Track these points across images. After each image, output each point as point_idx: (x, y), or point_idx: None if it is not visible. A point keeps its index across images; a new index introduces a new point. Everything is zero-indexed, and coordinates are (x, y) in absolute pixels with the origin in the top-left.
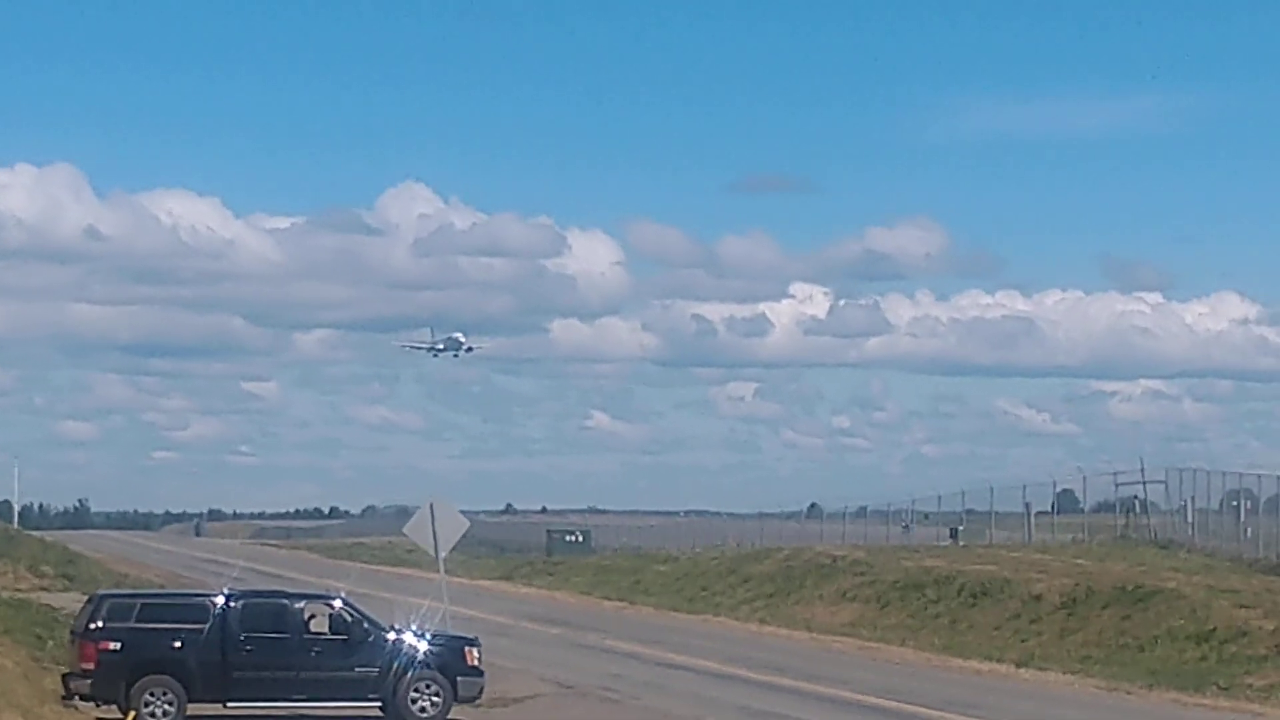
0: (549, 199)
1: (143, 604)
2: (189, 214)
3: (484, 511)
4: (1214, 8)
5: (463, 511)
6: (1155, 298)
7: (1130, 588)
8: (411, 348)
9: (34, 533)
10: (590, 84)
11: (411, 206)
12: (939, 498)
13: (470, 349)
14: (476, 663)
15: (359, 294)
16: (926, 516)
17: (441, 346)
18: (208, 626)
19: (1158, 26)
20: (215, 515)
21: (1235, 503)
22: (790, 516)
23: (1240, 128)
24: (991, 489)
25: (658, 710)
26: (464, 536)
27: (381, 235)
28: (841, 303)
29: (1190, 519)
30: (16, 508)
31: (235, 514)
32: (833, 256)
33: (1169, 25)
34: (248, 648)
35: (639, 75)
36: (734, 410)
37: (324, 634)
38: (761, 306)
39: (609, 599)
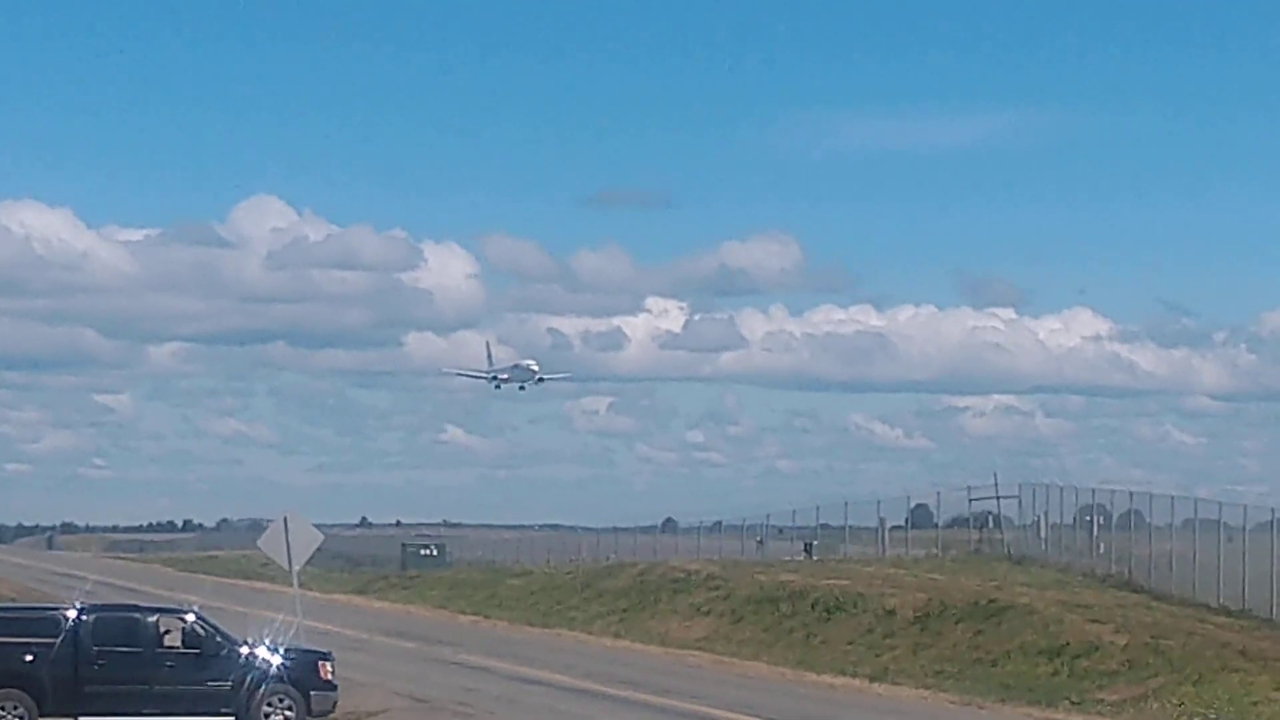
0: (404, 212)
1: None
2: (41, 225)
3: (339, 525)
4: (1068, 29)
5: (317, 525)
6: (1008, 313)
7: (983, 603)
8: (464, 375)
9: None
10: (444, 97)
11: (264, 219)
12: (793, 512)
13: (542, 379)
14: (330, 677)
15: (212, 307)
16: (781, 531)
17: (505, 377)
18: (59, 640)
19: (1011, 45)
20: (68, 528)
21: (1088, 518)
22: (645, 531)
23: (1093, 146)
24: (846, 504)
25: None
26: (318, 550)
27: (235, 248)
28: (696, 317)
29: (1043, 534)
30: None
31: (88, 527)
32: (688, 271)
33: (1023, 44)
34: (100, 661)
35: (493, 88)
36: (588, 424)
37: (177, 648)
38: (616, 320)
39: (463, 613)
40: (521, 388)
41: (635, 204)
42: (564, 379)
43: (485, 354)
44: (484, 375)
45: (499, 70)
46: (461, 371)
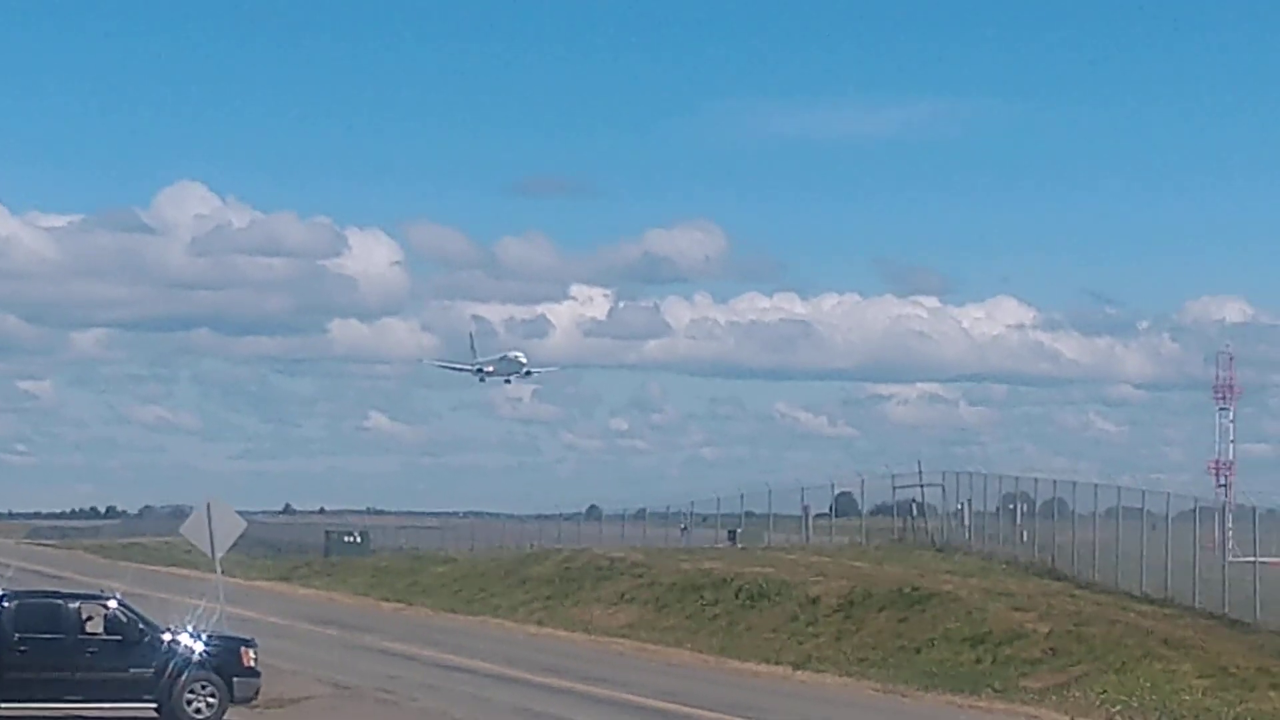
0: (328, 199)
1: None
2: None
3: (262, 512)
4: (991, 20)
5: (240, 512)
6: (932, 302)
7: (907, 590)
8: (445, 367)
9: None
10: (369, 84)
11: (188, 205)
12: (718, 500)
13: (529, 372)
14: (252, 664)
15: (136, 293)
16: (705, 519)
17: (491, 369)
18: None
19: (935, 35)
20: None
21: (1011, 506)
22: (569, 518)
23: (1017, 136)
24: (770, 491)
25: (435, 712)
26: (241, 537)
27: (158, 234)
28: (621, 305)
29: (967, 522)
30: None
31: (10, 513)
32: (612, 259)
33: (947, 34)
34: (21, 648)
35: (419, 76)
36: (513, 412)
37: (99, 634)
38: (541, 308)
39: (387, 600)
40: (507, 380)
41: (560, 191)
42: (551, 370)
43: (469, 345)
44: (468, 368)
45: (424, 58)
46: (445, 364)
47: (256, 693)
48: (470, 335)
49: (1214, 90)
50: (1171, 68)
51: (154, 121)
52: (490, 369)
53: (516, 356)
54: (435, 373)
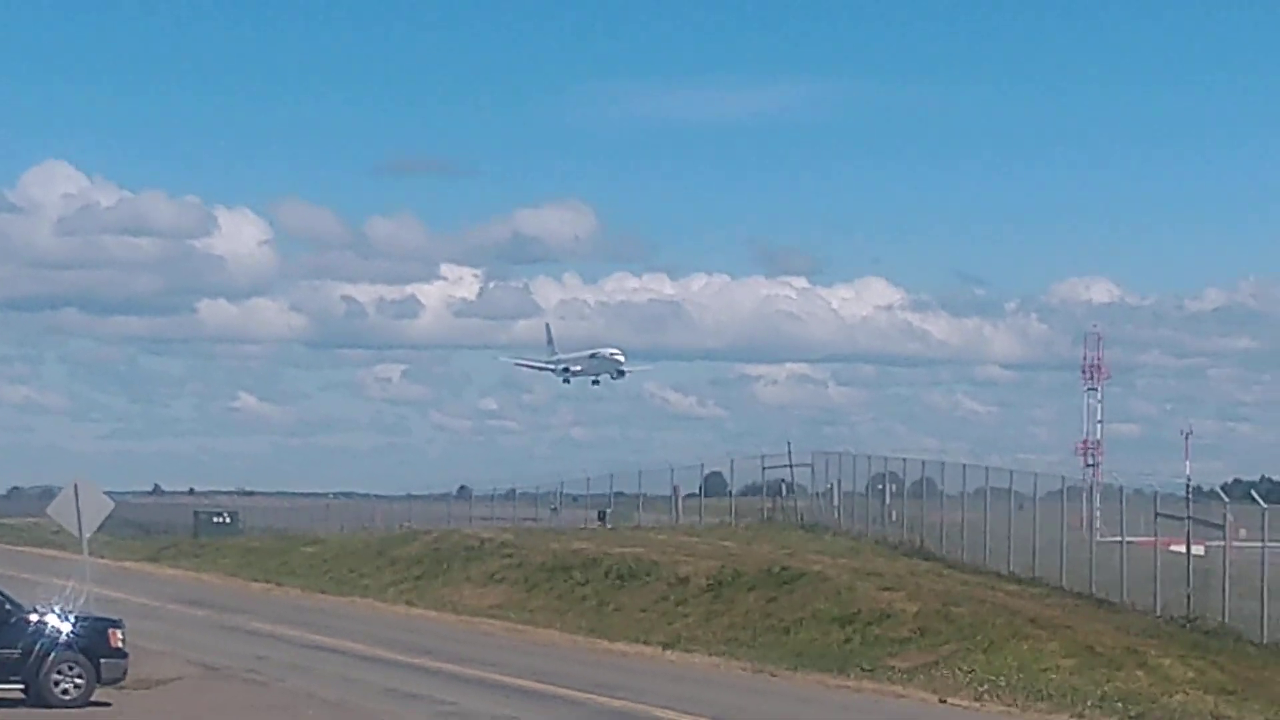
0: (196, 177)
1: None
2: None
3: (130, 492)
4: (861, 1)
5: (108, 492)
6: (801, 282)
7: (776, 570)
8: (524, 366)
9: None
10: (238, 62)
11: (54, 185)
12: (587, 480)
13: (623, 372)
14: (120, 644)
15: (2, 273)
16: (575, 499)
17: (578, 369)
18: None
19: (806, 16)
20: None
21: (880, 486)
22: (439, 499)
23: (887, 117)
24: (640, 472)
25: (303, 692)
26: (109, 517)
27: (24, 213)
28: (491, 285)
29: (836, 502)
30: None
31: None
32: (482, 238)
33: (817, 15)
34: None
35: (288, 54)
36: (382, 392)
37: None
38: (411, 288)
39: (256, 580)
40: (595, 381)
41: (430, 171)
42: (646, 369)
43: (545, 338)
44: (550, 367)
45: (293, 36)
46: (524, 362)
47: (124, 674)
48: (547, 328)
49: (1080, 70)
50: (1037, 47)
51: (19, 101)
52: (578, 368)
53: (613, 355)
54: (305, 353)
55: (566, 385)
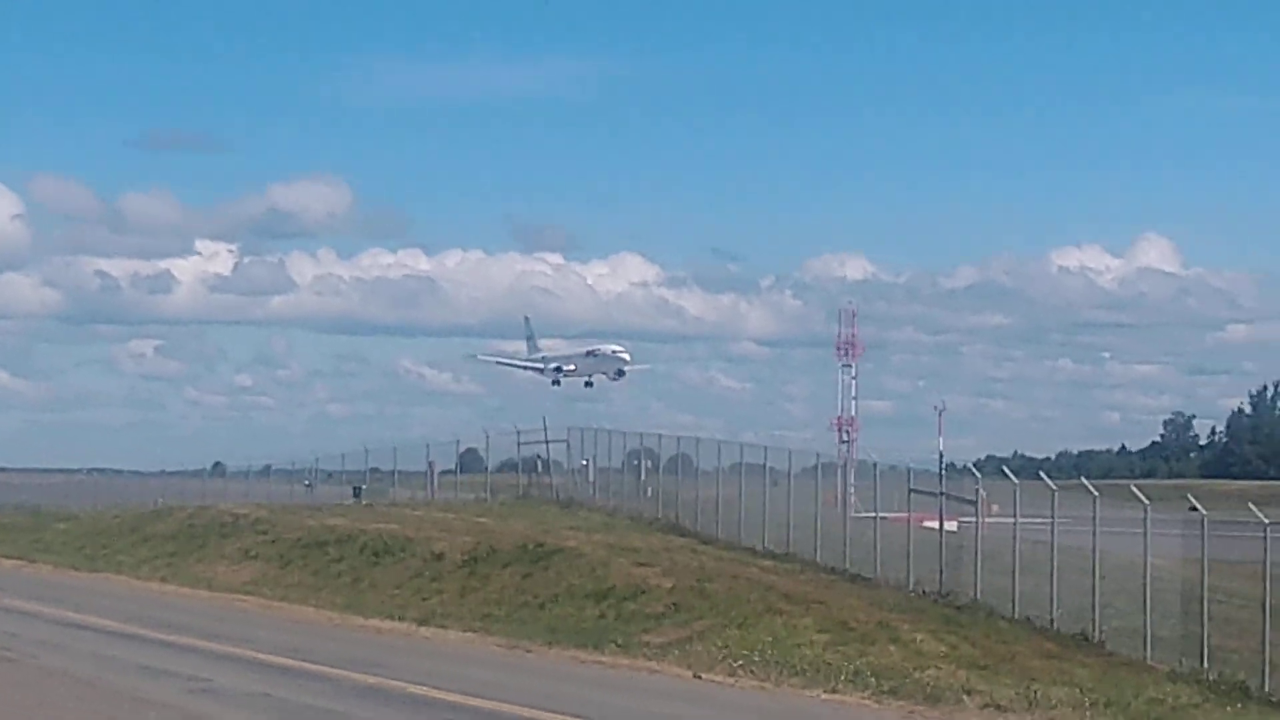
0: None
1: None
2: None
3: None
4: None
5: None
6: (557, 259)
7: (531, 546)
8: (504, 364)
9: None
10: None
11: None
12: (343, 456)
13: (622, 371)
14: None
15: None
16: (330, 475)
17: (572, 368)
18: None
19: None
20: None
21: (636, 462)
22: (193, 475)
23: (643, 95)
24: (395, 448)
25: (56, 670)
26: None
27: None
28: (246, 260)
29: (592, 478)
30: None
31: None
32: (237, 213)
33: None
34: None
35: (39, 25)
36: (136, 368)
37: None
38: (165, 263)
39: (8, 557)
40: (588, 383)
41: (185, 146)
42: (645, 368)
43: (525, 332)
44: (536, 366)
45: (47, 7)
46: (504, 361)
47: None
48: (526, 321)
49: (832, 50)
50: (791, 28)
51: None
52: (571, 367)
53: (616, 352)
54: (58, 328)
55: (555, 387)
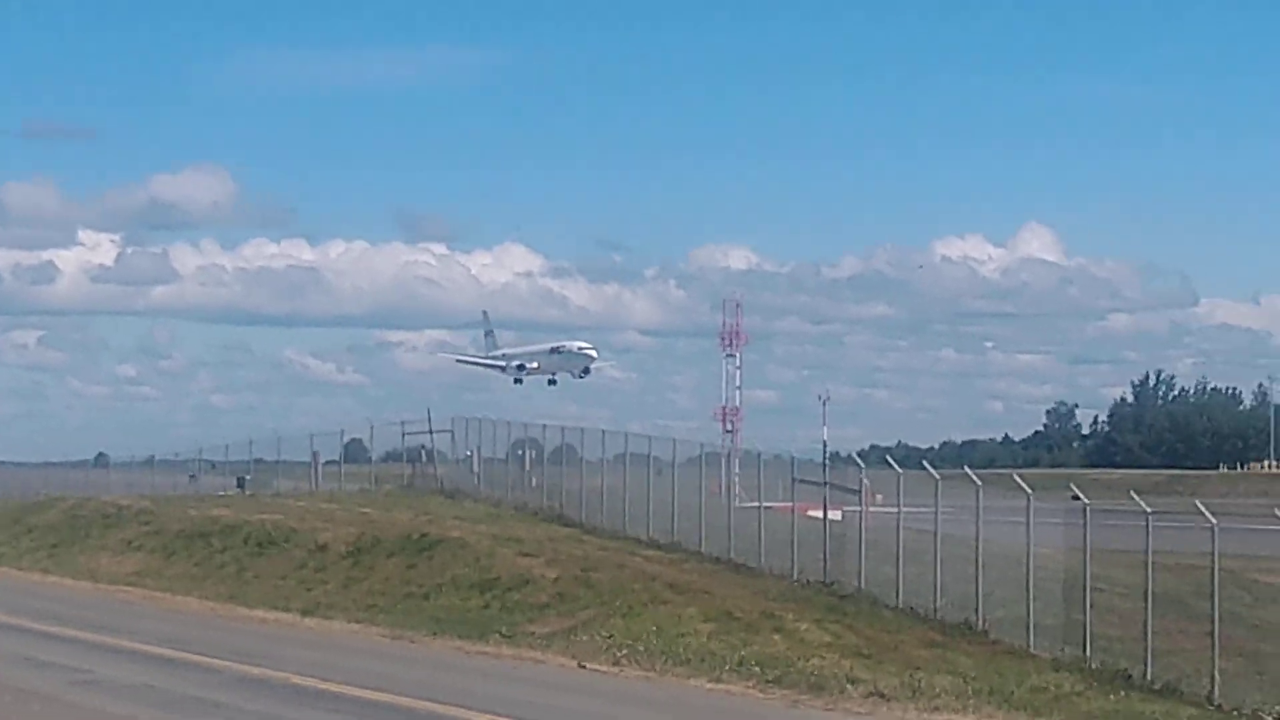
0: None
1: None
2: None
3: None
4: None
5: None
6: (441, 249)
7: (415, 537)
8: (468, 363)
9: None
10: None
11: None
12: (227, 447)
13: (588, 370)
14: None
15: None
16: (214, 466)
17: (535, 366)
18: None
19: None
20: None
21: (520, 452)
22: (76, 466)
23: (527, 86)
24: (279, 438)
25: None
26: None
27: None
28: (130, 250)
29: (476, 468)
30: None
31: None
32: (120, 204)
33: None
34: None
35: None
36: (18, 358)
37: None
38: (48, 254)
39: None
40: (552, 381)
41: (65, 136)
42: (609, 364)
43: (483, 329)
44: (499, 364)
45: None
46: (465, 359)
47: None
48: (485, 316)
49: (716, 38)
50: (672, 15)
51: None
52: (534, 364)
53: (583, 349)
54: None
55: (518, 385)
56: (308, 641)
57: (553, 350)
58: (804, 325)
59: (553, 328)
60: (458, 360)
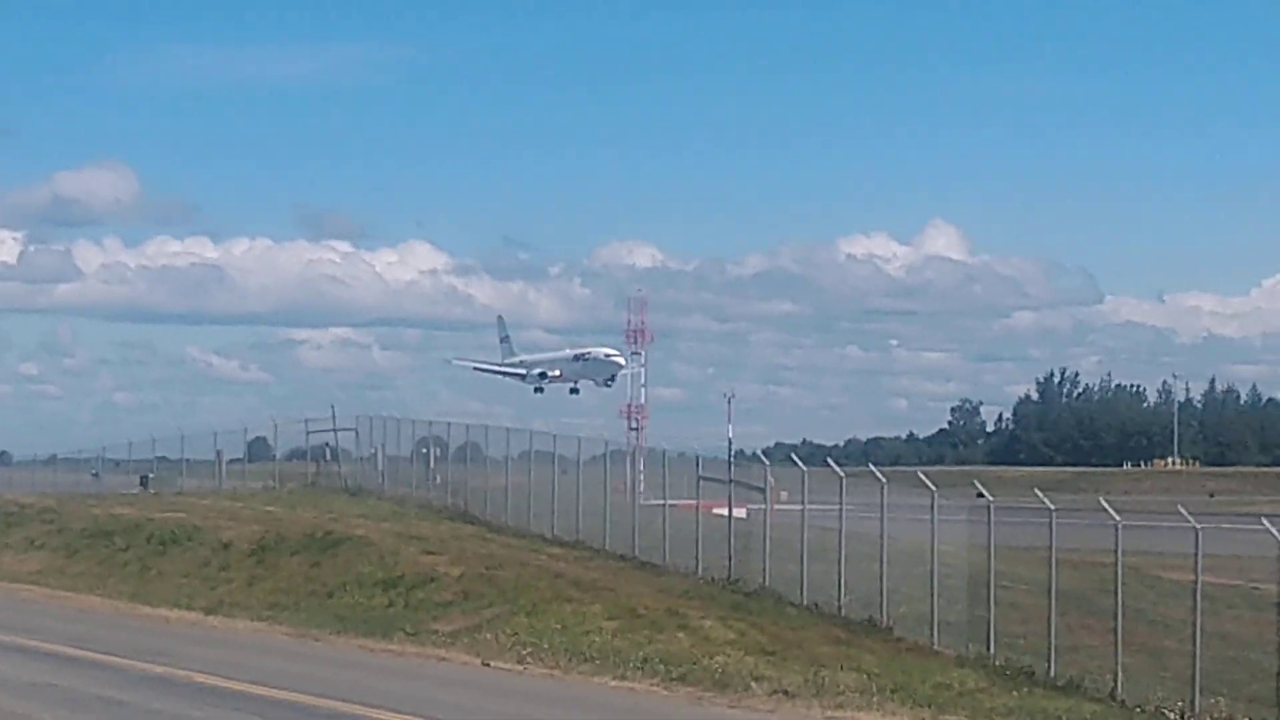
0: None
1: None
2: None
3: None
4: None
5: None
6: (345, 246)
7: (319, 535)
8: (482, 370)
9: None
10: None
11: None
12: (130, 445)
13: (613, 378)
14: None
15: None
16: (117, 464)
17: (557, 374)
18: None
19: None
20: None
21: (425, 450)
22: None
23: (433, 83)
24: (182, 437)
25: None
26: None
27: None
28: (32, 248)
29: (380, 466)
30: None
31: None
32: (22, 201)
33: None
34: None
35: None
36: None
37: None
38: None
39: None
40: (574, 390)
41: None
42: (638, 369)
43: (499, 334)
44: (517, 371)
45: None
46: (481, 366)
47: None
48: (500, 321)
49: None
50: (577, 11)
51: None
52: (557, 371)
53: (610, 356)
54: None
55: (538, 395)
56: (212, 640)
57: (576, 357)
58: (709, 323)
59: (457, 325)
60: (474, 368)
